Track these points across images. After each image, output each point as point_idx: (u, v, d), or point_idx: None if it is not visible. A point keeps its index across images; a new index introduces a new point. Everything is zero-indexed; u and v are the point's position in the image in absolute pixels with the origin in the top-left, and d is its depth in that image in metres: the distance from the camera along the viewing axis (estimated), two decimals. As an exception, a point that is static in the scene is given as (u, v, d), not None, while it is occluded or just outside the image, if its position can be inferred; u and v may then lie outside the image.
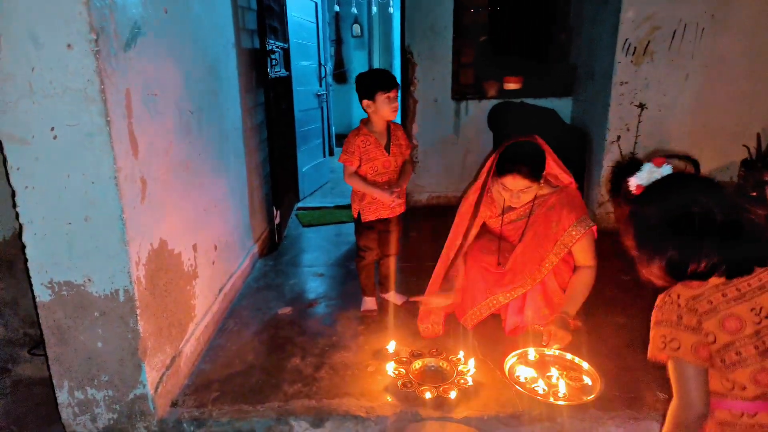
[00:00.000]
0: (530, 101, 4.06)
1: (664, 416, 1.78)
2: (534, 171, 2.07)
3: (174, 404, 1.90)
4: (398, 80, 2.39)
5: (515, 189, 2.09)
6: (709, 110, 3.41)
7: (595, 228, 2.14)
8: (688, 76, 3.33)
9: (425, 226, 3.92)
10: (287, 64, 3.75)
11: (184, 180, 2.05)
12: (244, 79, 2.94)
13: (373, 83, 2.29)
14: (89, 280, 1.62)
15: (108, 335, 1.68)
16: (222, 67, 2.60)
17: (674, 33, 3.25)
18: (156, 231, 1.80)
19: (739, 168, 3.33)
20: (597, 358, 2.09)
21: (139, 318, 1.67)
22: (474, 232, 2.37)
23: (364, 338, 2.35)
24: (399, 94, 2.36)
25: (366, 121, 2.38)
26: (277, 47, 3.32)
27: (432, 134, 4.27)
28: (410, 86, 4.14)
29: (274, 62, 3.21)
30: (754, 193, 3.07)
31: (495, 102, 4.12)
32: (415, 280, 2.94)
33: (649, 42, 3.28)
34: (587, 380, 1.97)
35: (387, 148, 2.39)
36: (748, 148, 3.26)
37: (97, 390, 1.74)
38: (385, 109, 2.30)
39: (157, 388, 1.79)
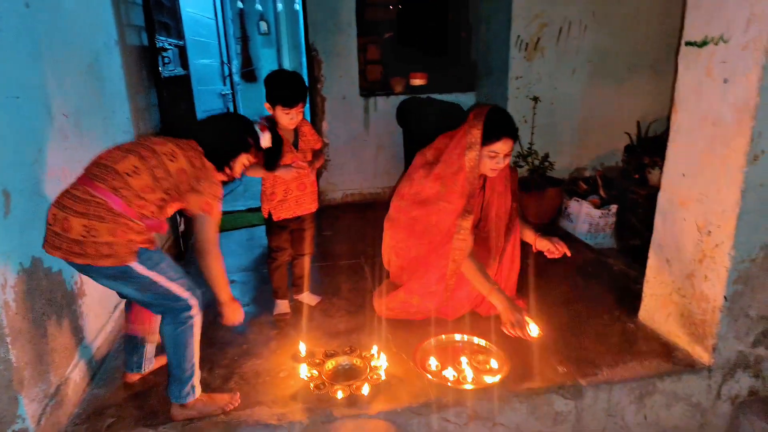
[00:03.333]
0: (436, 96, 4.16)
1: (561, 387, 1.91)
2: (517, 131, 2.17)
3: (63, 436, 1.73)
4: (305, 83, 2.30)
5: (503, 153, 2.11)
6: (595, 101, 3.69)
7: None
8: (574, 71, 3.58)
9: (340, 225, 3.90)
10: (184, 63, 3.56)
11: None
12: (132, 79, 2.74)
13: (274, 97, 2.21)
14: (-56, 309, 1.42)
15: (-27, 369, 1.48)
16: (104, 66, 2.40)
17: (560, 30, 3.47)
18: (26, 248, 1.62)
19: (623, 153, 3.63)
20: (502, 339, 2.19)
21: (10, 346, 1.50)
22: (473, 212, 2.21)
23: (276, 343, 2.28)
24: (308, 100, 2.29)
25: (270, 118, 2.30)
26: (169, 44, 3.13)
27: (342, 131, 4.26)
28: (317, 84, 4.09)
29: (166, 60, 3.03)
30: (636, 176, 3.36)
31: (403, 98, 4.18)
32: (329, 280, 2.92)
33: (539, 38, 3.48)
34: (494, 363, 2.05)
35: (295, 144, 2.33)
36: (630, 135, 3.57)
37: (-35, 431, 1.54)
38: (283, 119, 2.25)
39: (39, 421, 1.62)
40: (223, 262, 1.83)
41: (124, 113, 2.62)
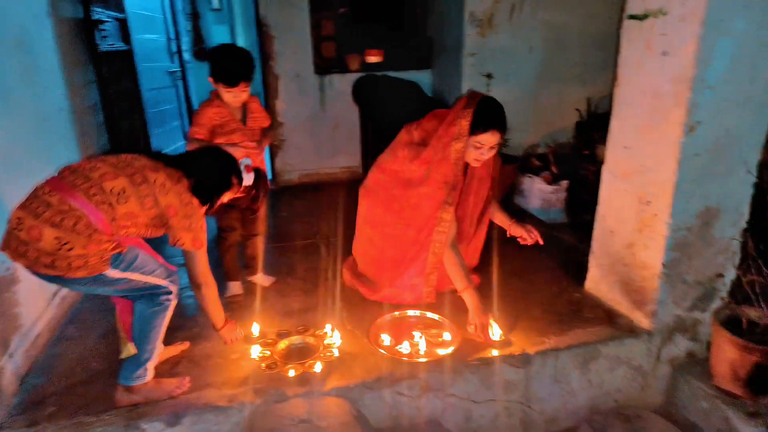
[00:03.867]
0: (393, 74, 4.12)
1: (511, 356, 1.95)
2: (506, 124, 2.11)
3: (-2, 428, 1.65)
4: (253, 61, 2.20)
5: (489, 145, 2.07)
6: (547, 78, 3.74)
7: None
8: (528, 47, 3.61)
9: (296, 205, 3.84)
10: (126, 37, 3.38)
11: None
12: (67, 53, 2.58)
13: (217, 73, 2.13)
14: None
15: None
16: (34, 39, 2.25)
17: (513, 6, 3.48)
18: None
19: (574, 130, 3.71)
20: (455, 313, 2.22)
21: (-69, 337, 1.40)
22: (455, 203, 2.20)
23: (229, 325, 2.24)
24: (257, 75, 2.21)
25: (218, 93, 2.21)
26: (108, 17, 2.96)
27: (298, 110, 4.16)
28: (270, 61, 3.97)
29: (104, 33, 2.86)
30: (587, 152, 3.44)
31: (359, 75, 4.11)
32: (285, 260, 2.88)
33: (492, 14, 3.48)
34: (447, 336, 2.08)
35: (243, 121, 2.26)
36: (580, 112, 3.64)
37: None
38: (226, 96, 2.18)
39: (-30, 414, 1.54)
40: (216, 289, 1.86)
41: (58, 89, 2.47)
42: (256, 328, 2.12)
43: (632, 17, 1.85)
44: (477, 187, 2.30)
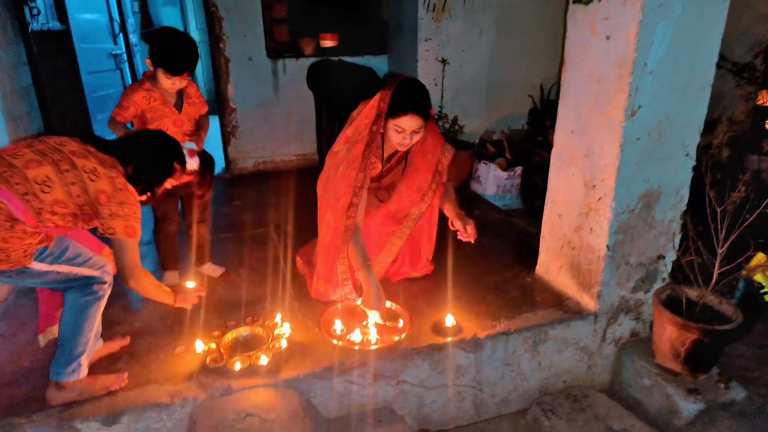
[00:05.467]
0: (348, 59, 4.04)
1: (462, 341, 1.95)
2: (427, 108, 2.04)
3: None
4: (197, 49, 2.10)
5: (410, 129, 2.01)
6: (501, 64, 3.75)
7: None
8: (481, 32, 3.60)
9: (250, 194, 3.73)
10: (62, 16, 3.17)
11: None
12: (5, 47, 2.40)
13: (158, 58, 2.01)
14: None
15: None
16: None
17: (467, -9, 3.46)
18: None
19: (528, 116, 3.75)
20: (408, 300, 2.21)
21: None
22: (365, 186, 2.13)
23: (173, 318, 2.15)
24: (205, 62, 2.10)
25: (151, 75, 2.10)
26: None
27: (251, 96, 4.04)
28: (219, 43, 3.82)
29: (35, 11, 2.67)
30: (540, 138, 3.49)
31: (313, 60, 4.01)
32: (236, 250, 2.79)
33: (446, 0, 3.44)
34: (400, 324, 2.06)
35: (178, 106, 2.15)
36: (533, 98, 3.68)
37: None
38: (164, 83, 2.08)
39: None
40: (151, 275, 1.75)
41: (-18, 71, 2.30)
42: (201, 320, 2.05)
43: (577, 2, 1.85)
44: (410, 177, 2.24)
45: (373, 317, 1.98)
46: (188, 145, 1.90)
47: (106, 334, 1.98)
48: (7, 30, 2.58)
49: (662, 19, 1.63)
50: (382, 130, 2.08)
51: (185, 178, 2.20)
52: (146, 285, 1.72)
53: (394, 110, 2.00)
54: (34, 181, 1.43)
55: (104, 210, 1.53)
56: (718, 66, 1.81)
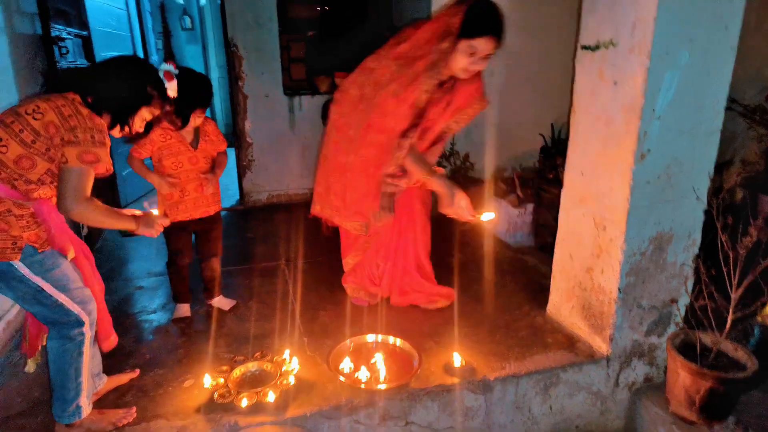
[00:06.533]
0: (362, 96, 4.15)
1: (471, 382, 1.93)
2: (503, 32, 1.83)
3: None
4: (210, 87, 2.17)
5: (484, 52, 1.79)
6: (512, 103, 3.81)
7: None
8: (493, 73, 3.67)
9: (262, 227, 3.78)
10: (89, 55, 3.32)
11: None
12: (22, 70, 2.51)
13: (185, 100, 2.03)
14: None
15: None
16: (-15, 54, 2.19)
17: (479, 33, 3.56)
18: None
19: (539, 154, 3.77)
20: (417, 337, 2.19)
21: None
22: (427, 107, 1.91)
23: (183, 351, 2.16)
24: (225, 94, 2.16)
25: (169, 113, 2.17)
26: (69, 34, 2.91)
27: (267, 131, 4.14)
28: (238, 81, 3.95)
29: (64, 51, 2.80)
30: (551, 176, 3.50)
31: (328, 97, 4.11)
32: (247, 282, 2.82)
33: (459, 41, 3.54)
34: (414, 363, 2.04)
35: (194, 143, 2.22)
36: (544, 137, 3.72)
37: None
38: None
39: None
40: (101, 203, 1.54)
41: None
42: (210, 354, 2.05)
43: (585, 48, 1.90)
44: (446, 116, 2.02)
45: (462, 215, 1.91)
46: (164, 67, 1.68)
47: (117, 366, 1.99)
48: (35, 68, 2.71)
49: (669, 67, 1.67)
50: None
51: (198, 213, 2.27)
52: (94, 213, 1.49)
53: (471, 29, 1.76)
54: None
55: (56, 140, 1.38)
56: (729, 108, 1.82)
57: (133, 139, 1.65)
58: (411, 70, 1.83)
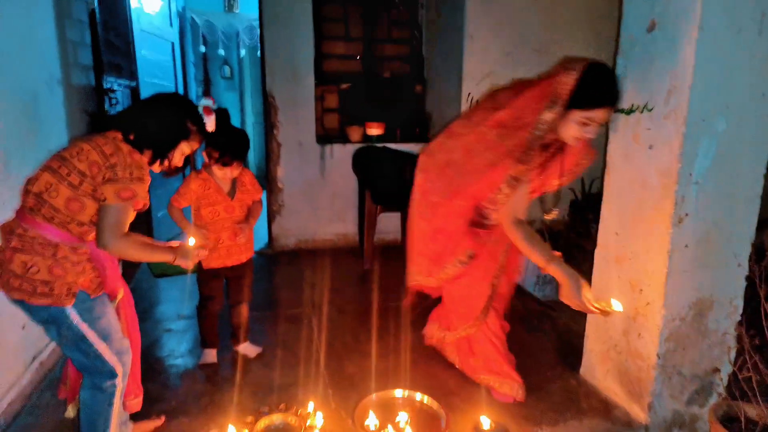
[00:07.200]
0: (391, 146, 4.23)
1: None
2: (619, 96, 1.73)
3: None
4: (248, 140, 2.24)
5: (601, 122, 1.68)
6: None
7: None
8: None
9: (290, 272, 3.80)
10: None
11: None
12: (75, 118, 2.67)
13: (210, 153, 2.16)
14: None
15: None
16: (42, 104, 2.34)
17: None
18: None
19: (569, 208, 3.76)
20: (444, 394, 2.14)
21: None
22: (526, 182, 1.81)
23: (208, 399, 2.15)
24: (261, 142, 2.24)
25: (207, 165, 2.26)
26: (119, 85, 3.09)
27: (298, 177, 4.24)
28: (273, 129, 4.10)
29: (114, 101, 2.98)
30: (581, 230, 3.46)
31: (359, 146, 4.22)
32: (273, 329, 2.82)
33: (488, 95, 3.62)
34: (441, 422, 1.99)
35: (231, 194, 2.29)
36: (574, 191, 3.71)
37: None
38: (217, 172, 2.22)
39: None
40: (139, 236, 1.58)
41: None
42: (235, 405, 2.03)
43: (618, 111, 1.92)
44: (549, 182, 1.90)
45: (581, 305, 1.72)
46: (203, 102, 1.75)
47: (144, 411, 1.99)
48: (86, 117, 2.88)
49: (705, 134, 1.67)
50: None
51: (231, 261, 2.31)
52: (131, 247, 1.50)
53: (587, 100, 1.63)
54: (40, 194, 1.42)
55: (98, 179, 1.42)
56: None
57: (171, 173, 1.68)
58: (512, 142, 1.72)
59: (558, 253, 1.92)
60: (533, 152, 1.73)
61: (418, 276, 2.17)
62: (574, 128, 1.69)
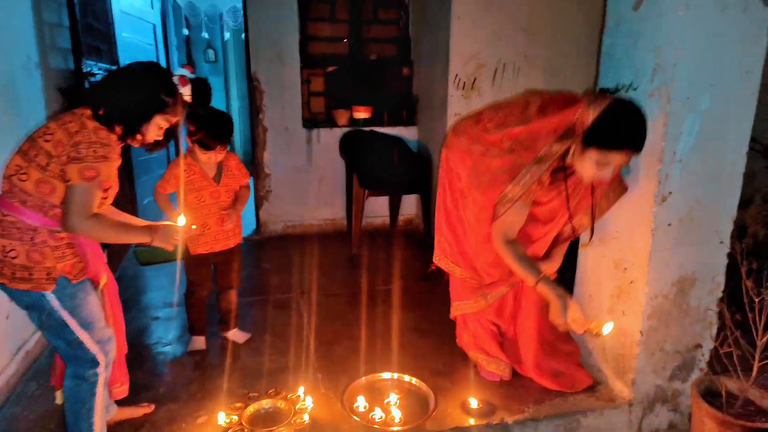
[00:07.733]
0: (379, 129, 4.20)
1: (488, 425, 1.88)
2: (644, 142, 1.59)
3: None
4: (231, 124, 2.20)
5: (617, 164, 1.59)
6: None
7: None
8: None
9: (279, 257, 3.79)
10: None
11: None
12: (54, 103, 2.61)
13: (192, 136, 2.11)
14: None
15: None
16: (20, 88, 2.28)
17: (495, 71, 3.62)
18: None
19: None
20: (432, 376, 2.16)
21: None
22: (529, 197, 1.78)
23: (198, 385, 2.15)
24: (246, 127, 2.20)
25: (192, 150, 2.23)
26: (99, 69, 3.02)
27: (284, 162, 4.20)
28: (259, 114, 4.04)
29: (93, 82, 2.90)
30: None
31: (346, 130, 4.19)
32: (262, 315, 2.82)
33: (475, 78, 3.60)
34: (430, 403, 2.01)
35: (217, 178, 2.26)
36: (561, 172, 3.73)
37: None
38: (201, 157, 2.19)
39: None
40: (108, 217, 1.53)
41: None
42: (225, 390, 2.04)
43: (604, 90, 1.92)
44: (563, 215, 1.85)
45: (577, 327, 1.70)
46: (178, 71, 1.63)
47: (132, 398, 1.98)
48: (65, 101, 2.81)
49: (690, 112, 1.67)
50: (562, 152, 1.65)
51: (218, 246, 2.29)
52: (101, 228, 1.45)
53: (603, 140, 1.54)
54: (11, 177, 1.40)
55: (62, 159, 1.38)
56: (750, 148, 1.81)
57: (152, 148, 1.60)
58: (519, 159, 1.69)
59: (549, 271, 1.94)
60: (532, 176, 1.69)
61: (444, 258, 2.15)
62: (590, 167, 1.61)
